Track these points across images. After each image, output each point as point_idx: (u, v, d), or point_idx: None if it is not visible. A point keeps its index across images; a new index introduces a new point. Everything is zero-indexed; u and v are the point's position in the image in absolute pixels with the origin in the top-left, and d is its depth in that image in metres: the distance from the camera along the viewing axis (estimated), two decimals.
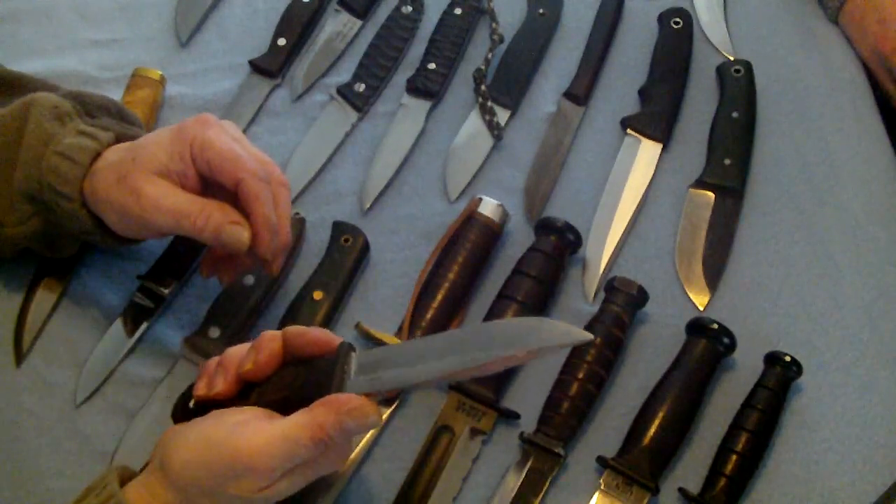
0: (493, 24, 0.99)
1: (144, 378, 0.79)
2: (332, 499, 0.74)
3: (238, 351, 0.65)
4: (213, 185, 0.70)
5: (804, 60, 1.01)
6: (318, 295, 0.81)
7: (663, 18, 1.00)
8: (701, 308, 0.85)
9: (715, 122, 0.95)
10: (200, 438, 0.60)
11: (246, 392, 0.64)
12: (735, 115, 0.94)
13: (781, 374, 0.79)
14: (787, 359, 0.79)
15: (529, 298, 0.80)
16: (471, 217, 0.84)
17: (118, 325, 0.81)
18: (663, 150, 0.94)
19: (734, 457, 0.75)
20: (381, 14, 1.02)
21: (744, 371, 0.82)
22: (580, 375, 0.78)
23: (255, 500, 0.59)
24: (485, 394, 0.78)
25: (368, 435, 0.77)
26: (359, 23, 1.01)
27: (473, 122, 0.94)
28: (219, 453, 0.58)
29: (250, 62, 0.97)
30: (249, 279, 0.81)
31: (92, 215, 0.71)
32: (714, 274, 0.87)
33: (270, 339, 0.63)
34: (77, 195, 0.70)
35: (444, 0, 1.01)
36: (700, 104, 0.97)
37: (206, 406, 0.64)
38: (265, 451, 0.57)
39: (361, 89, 0.95)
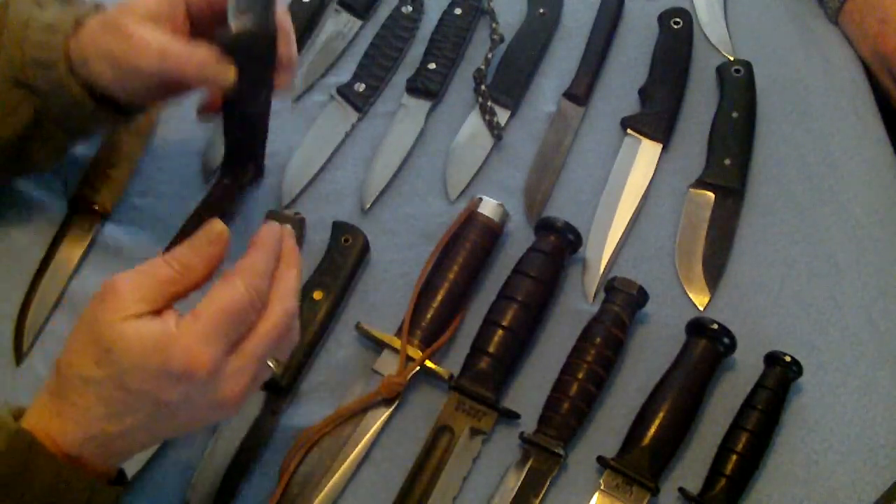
0: (493, 24, 0.99)
1: None
2: (332, 498, 0.75)
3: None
4: (203, 27, 0.70)
5: (804, 60, 1.01)
6: (318, 295, 0.81)
7: (663, 18, 1.00)
8: (701, 308, 0.85)
9: (715, 122, 0.95)
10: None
11: None
12: (735, 115, 0.94)
13: (781, 374, 0.79)
14: (787, 359, 0.79)
15: (529, 298, 0.80)
16: (471, 217, 0.84)
17: None
18: (663, 150, 0.94)
19: (734, 457, 0.75)
20: (381, 14, 1.02)
21: (744, 371, 0.82)
22: (580, 375, 0.78)
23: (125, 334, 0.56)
24: (485, 394, 0.78)
25: (368, 434, 0.77)
26: (359, 23, 1.01)
27: (473, 122, 0.94)
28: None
29: None
30: None
31: (80, 83, 0.71)
32: (714, 274, 0.87)
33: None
34: (62, 59, 0.69)
35: (444, 0, 1.01)
36: (700, 104, 0.97)
37: None
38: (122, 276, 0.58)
39: (361, 89, 0.95)
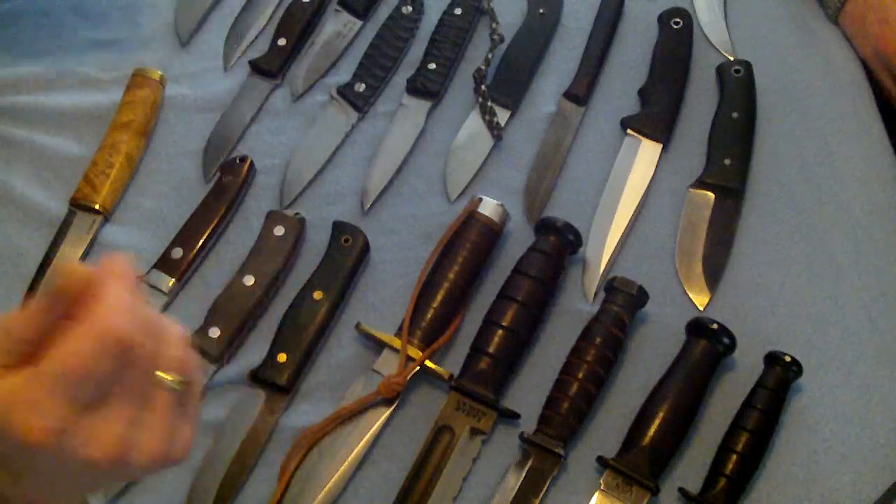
0: (493, 24, 0.99)
1: None
2: (332, 498, 0.75)
3: None
4: None
5: (804, 60, 1.01)
6: (318, 295, 0.81)
7: (663, 18, 1.00)
8: (701, 308, 0.85)
9: (715, 122, 0.95)
10: None
11: None
12: (735, 115, 0.94)
13: (781, 374, 0.79)
14: (787, 359, 0.79)
15: (529, 298, 0.80)
16: (471, 217, 0.84)
17: None
18: (663, 150, 0.94)
19: (734, 457, 0.75)
20: (381, 14, 1.02)
21: (744, 371, 0.82)
22: (580, 375, 0.78)
23: None
24: (485, 394, 0.78)
25: (368, 434, 0.77)
26: (359, 23, 1.01)
27: (473, 122, 0.94)
28: None
29: (250, 62, 0.97)
30: (249, 279, 0.82)
31: None
32: (714, 274, 0.87)
33: None
34: None
35: (444, 0, 1.01)
36: (700, 104, 0.97)
37: None
38: None
39: (361, 89, 0.95)
